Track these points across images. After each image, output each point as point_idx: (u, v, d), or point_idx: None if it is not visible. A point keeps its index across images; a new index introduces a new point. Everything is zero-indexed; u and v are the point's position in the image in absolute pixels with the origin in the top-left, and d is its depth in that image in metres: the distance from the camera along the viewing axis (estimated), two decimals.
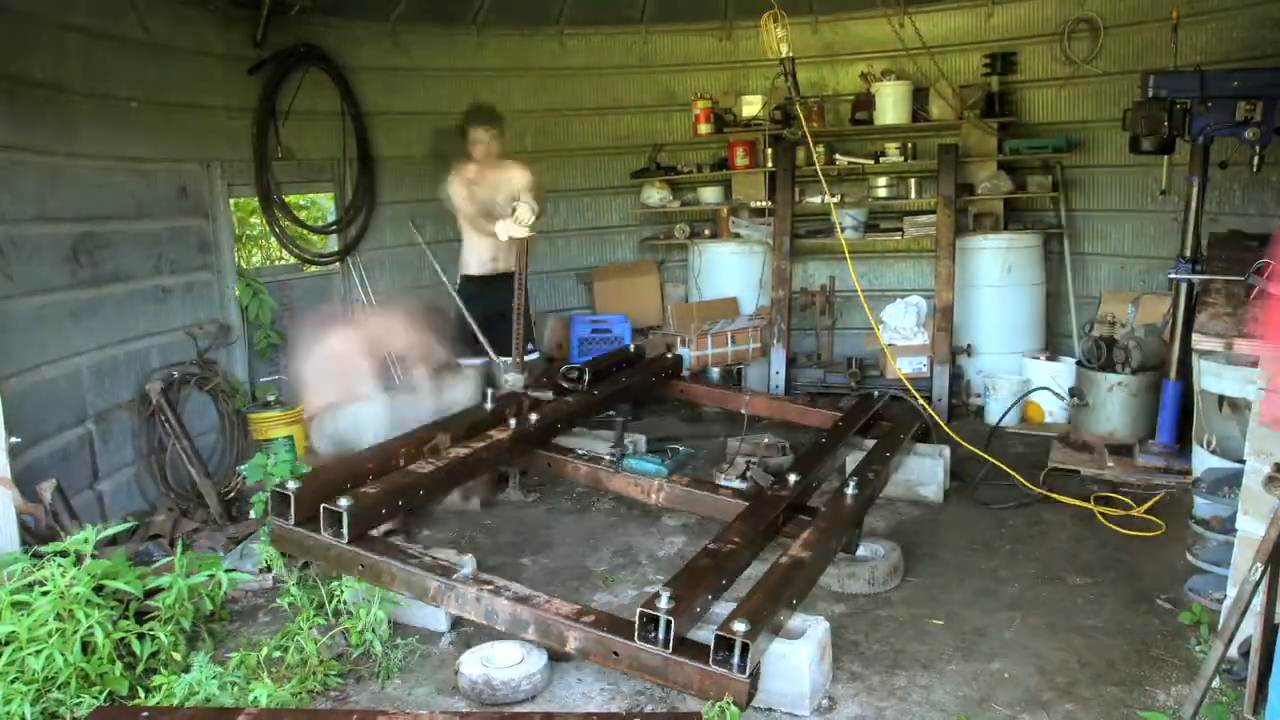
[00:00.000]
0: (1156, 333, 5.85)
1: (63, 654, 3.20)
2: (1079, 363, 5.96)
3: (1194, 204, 5.13)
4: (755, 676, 2.99)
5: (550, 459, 4.71)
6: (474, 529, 4.97)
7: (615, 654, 3.11)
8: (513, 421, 4.71)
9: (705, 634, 3.06)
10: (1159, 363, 5.59)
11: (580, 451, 4.83)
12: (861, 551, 4.17)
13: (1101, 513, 4.74)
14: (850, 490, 4.18)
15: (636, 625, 3.07)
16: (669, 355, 6.44)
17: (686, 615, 3.11)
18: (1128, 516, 4.67)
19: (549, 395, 5.23)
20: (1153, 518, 4.67)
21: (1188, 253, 5.08)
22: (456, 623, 3.81)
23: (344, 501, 3.58)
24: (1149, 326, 5.98)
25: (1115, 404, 5.65)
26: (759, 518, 3.90)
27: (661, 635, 3.03)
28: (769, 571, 3.42)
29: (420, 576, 3.42)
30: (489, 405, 4.86)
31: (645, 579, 4.29)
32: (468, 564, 3.83)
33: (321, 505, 3.60)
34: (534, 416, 4.75)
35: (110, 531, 3.61)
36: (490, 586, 3.37)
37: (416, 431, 4.45)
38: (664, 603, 3.04)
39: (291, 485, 3.67)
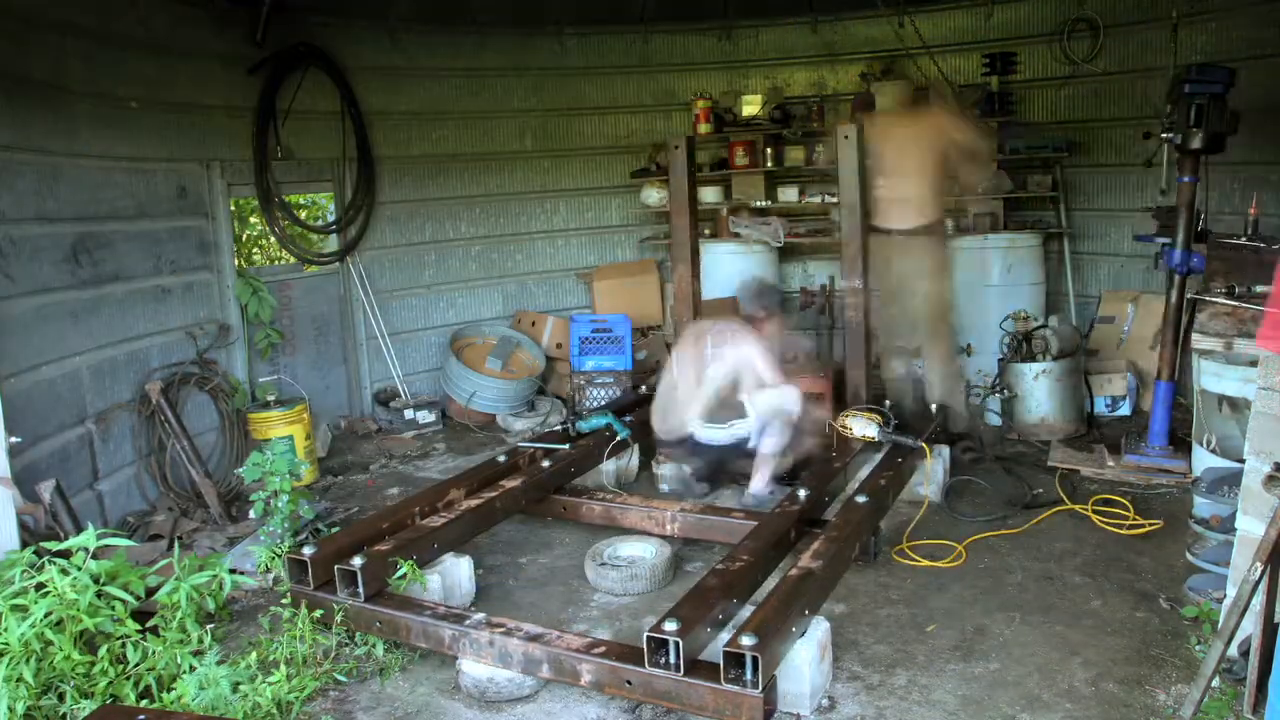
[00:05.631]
0: (1068, 323, 6.59)
1: (63, 655, 3.20)
2: (1001, 359, 6.19)
3: (1186, 205, 5.04)
4: (770, 690, 2.96)
5: (565, 503, 4.76)
6: None
7: (629, 683, 3.10)
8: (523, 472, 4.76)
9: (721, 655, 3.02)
10: (1075, 349, 6.14)
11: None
12: None
13: (1099, 517, 4.74)
14: (860, 499, 4.18)
15: (646, 651, 3.05)
16: None
17: (695, 636, 3.07)
18: (1125, 515, 4.67)
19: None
20: (1143, 525, 4.67)
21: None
22: None
23: (357, 561, 3.62)
24: (1060, 317, 6.74)
25: (1042, 390, 5.99)
26: (768, 533, 3.89)
27: (672, 659, 3.01)
28: (779, 583, 3.41)
29: (435, 627, 3.46)
30: (501, 458, 4.90)
31: None
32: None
33: (335, 567, 3.66)
34: (546, 463, 4.78)
35: (111, 539, 3.61)
36: (502, 629, 3.37)
37: (430, 488, 4.56)
38: (671, 625, 3.01)
39: (308, 551, 3.72)
